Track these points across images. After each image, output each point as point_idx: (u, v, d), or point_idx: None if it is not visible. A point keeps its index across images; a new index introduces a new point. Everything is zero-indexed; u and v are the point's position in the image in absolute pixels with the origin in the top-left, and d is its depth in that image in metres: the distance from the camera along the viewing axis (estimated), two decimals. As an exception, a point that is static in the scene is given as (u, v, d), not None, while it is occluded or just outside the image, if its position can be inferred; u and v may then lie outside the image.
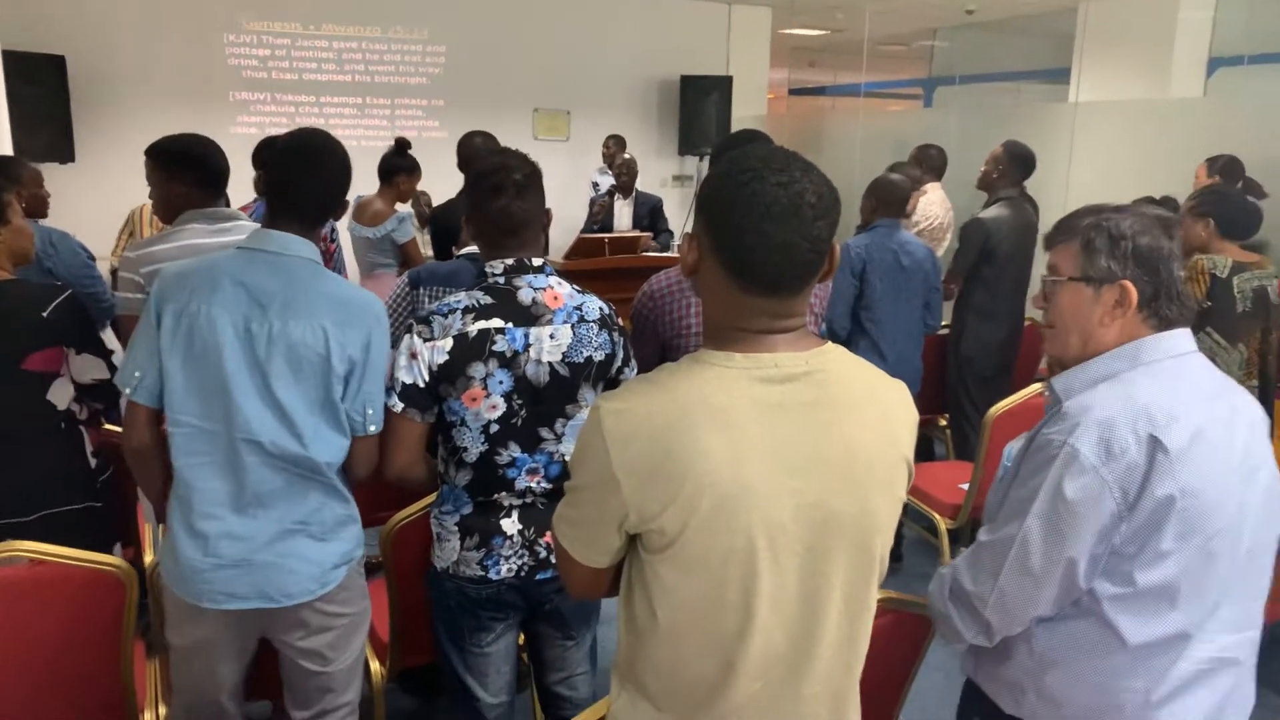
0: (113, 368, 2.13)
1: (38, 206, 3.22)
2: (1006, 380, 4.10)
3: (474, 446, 1.79)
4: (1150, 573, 1.31)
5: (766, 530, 1.05)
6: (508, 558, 1.85)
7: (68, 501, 2.15)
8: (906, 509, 3.72)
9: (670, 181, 8.52)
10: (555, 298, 1.82)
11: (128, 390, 1.73)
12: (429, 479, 1.90)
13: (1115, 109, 5.96)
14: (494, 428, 1.78)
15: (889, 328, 3.50)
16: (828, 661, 1.13)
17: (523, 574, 1.86)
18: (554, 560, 1.87)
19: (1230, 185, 4.15)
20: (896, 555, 3.87)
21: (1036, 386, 3.15)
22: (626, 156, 6.32)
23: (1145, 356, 1.36)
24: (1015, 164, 4.14)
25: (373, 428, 1.79)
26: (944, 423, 4.53)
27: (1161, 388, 1.33)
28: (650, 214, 6.27)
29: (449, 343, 1.74)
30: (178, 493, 1.73)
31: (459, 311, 1.76)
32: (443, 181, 4.17)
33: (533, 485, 1.84)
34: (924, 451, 4.82)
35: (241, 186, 2.87)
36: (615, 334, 1.89)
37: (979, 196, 4.36)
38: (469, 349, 1.74)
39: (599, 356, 1.84)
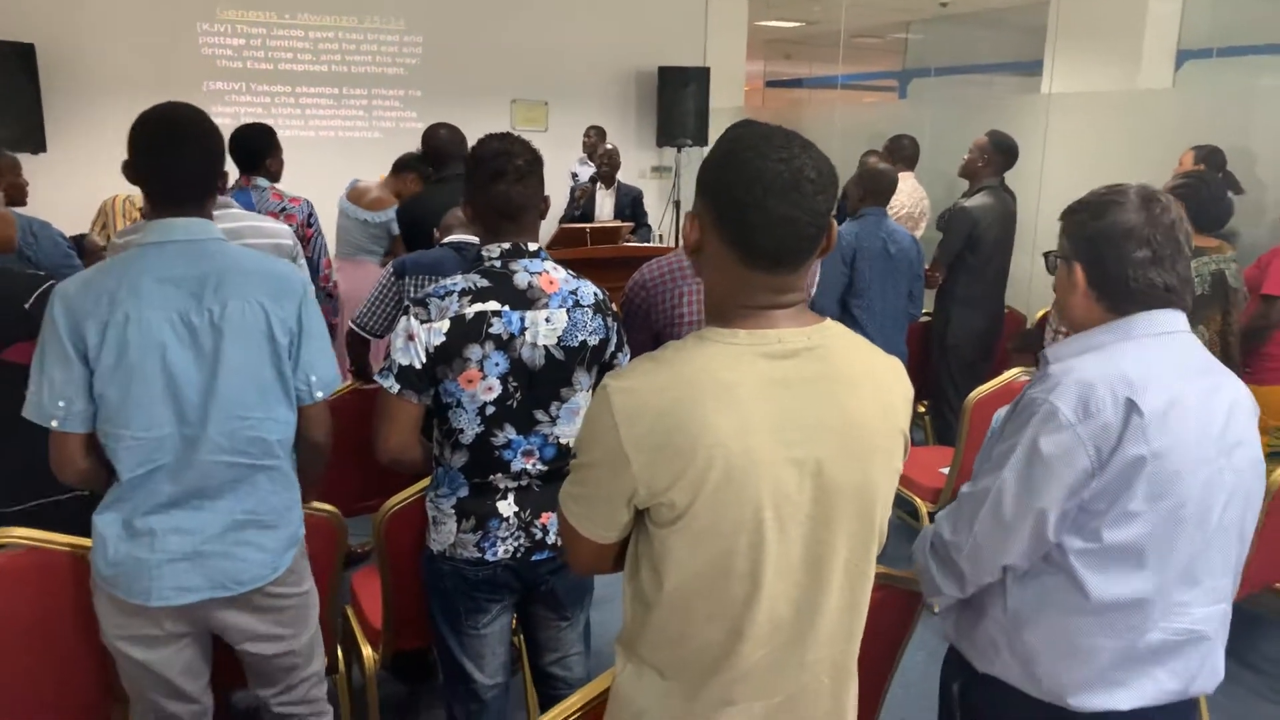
0: None
1: (16, 195, 3.19)
2: (988, 366, 4.18)
3: (470, 428, 1.81)
4: (1117, 531, 1.36)
5: (773, 500, 1.08)
6: (504, 539, 1.86)
7: (55, 491, 2.12)
8: (888, 493, 3.83)
9: (649, 173, 8.53)
10: (551, 282, 1.83)
11: (54, 424, 1.61)
12: (424, 461, 1.91)
13: (1087, 100, 6.05)
14: (490, 409, 1.80)
15: (876, 314, 3.55)
16: (830, 629, 1.17)
17: (519, 555, 1.88)
18: (550, 541, 1.89)
19: (1212, 174, 4.24)
20: (878, 539, 3.93)
21: (1015, 371, 3.21)
22: (609, 147, 6.29)
23: (1136, 331, 1.41)
24: (1000, 154, 4.21)
25: (320, 394, 1.77)
26: (922, 409, 4.60)
27: (1144, 358, 1.38)
28: (632, 205, 6.26)
29: (446, 324, 1.75)
30: (115, 494, 1.67)
31: (456, 294, 1.77)
32: (419, 174, 4.18)
33: (528, 467, 1.85)
34: (905, 437, 4.89)
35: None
36: (609, 319, 1.91)
37: (955, 186, 4.43)
38: (466, 331, 1.76)
39: (593, 341, 1.86)
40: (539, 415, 1.84)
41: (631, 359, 1.87)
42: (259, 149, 3.62)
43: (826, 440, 1.09)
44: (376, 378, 1.81)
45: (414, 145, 4.95)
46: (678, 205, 8.06)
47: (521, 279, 1.81)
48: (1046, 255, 1.56)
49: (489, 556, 1.86)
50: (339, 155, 6.78)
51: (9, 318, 2.02)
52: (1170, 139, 4.95)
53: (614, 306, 1.96)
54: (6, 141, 5.40)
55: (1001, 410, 1.63)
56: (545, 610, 2.02)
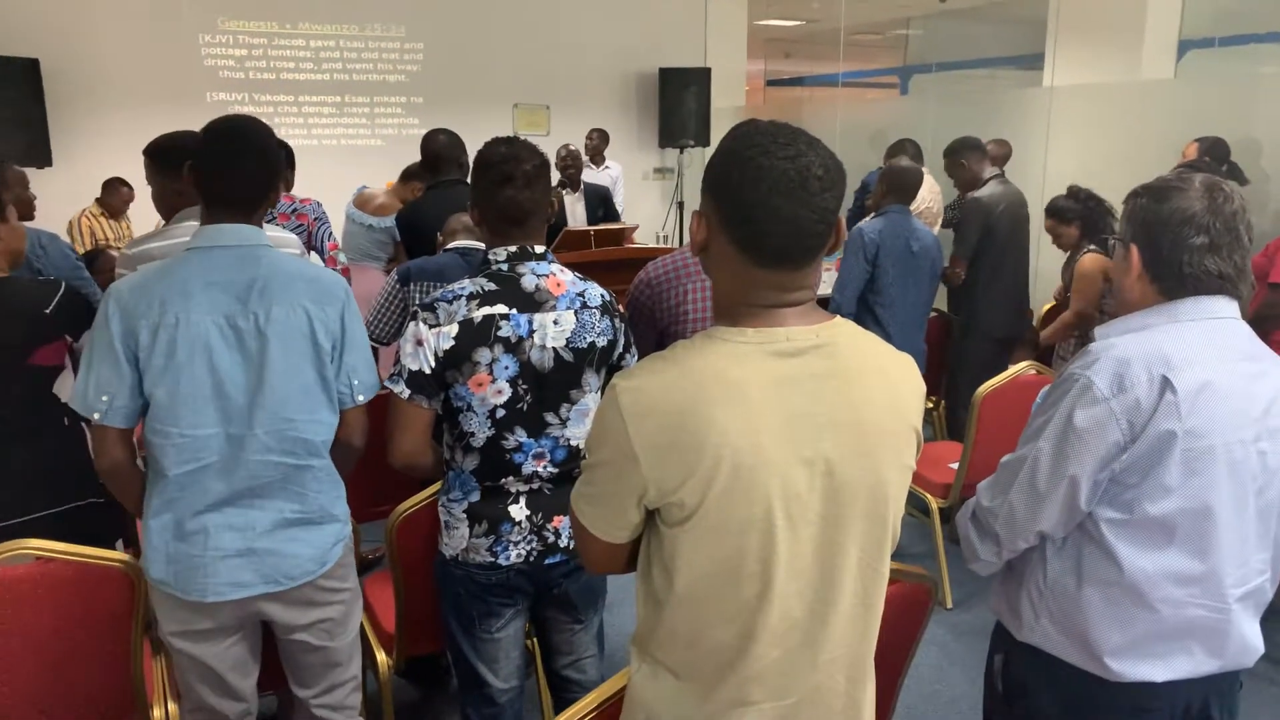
0: None
1: (24, 209, 3.21)
2: (1006, 362, 4.16)
3: (481, 431, 1.81)
4: (1150, 505, 1.39)
5: (783, 499, 1.07)
6: (516, 543, 1.87)
7: (80, 496, 2.18)
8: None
9: (651, 174, 8.55)
10: (558, 284, 1.84)
11: (96, 416, 1.67)
12: (435, 466, 1.91)
13: (1089, 92, 6.04)
14: (500, 413, 1.80)
15: (897, 312, 3.53)
16: (843, 628, 1.16)
17: (532, 559, 1.88)
18: (562, 545, 1.89)
19: (1215, 166, 4.23)
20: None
21: (1023, 365, 3.21)
22: (571, 148, 5.87)
23: (1182, 315, 1.42)
24: (972, 151, 4.24)
25: (361, 397, 1.83)
26: (930, 404, 4.59)
27: (1186, 340, 1.40)
28: (603, 204, 5.91)
29: (454, 328, 1.76)
30: (165, 495, 1.71)
31: (464, 298, 1.78)
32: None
33: (539, 470, 1.86)
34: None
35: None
36: (616, 320, 1.91)
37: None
38: (474, 334, 1.76)
39: (601, 342, 1.86)
40: (549, 418, 1.84)
41: (639, 358, 1.88)
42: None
43: (837, 438, 1.09)
44: (387, 383, 1.82)
45: (416, 151, 4.98)
46: (681, 206, 8.06)
47: (529, 282, 1.82)
48: (1108, 239, 1.59)
49: (501, 561, 1.87)
50: (343, 163, 6.81)
51: (34, 324, 2.08)
52: (1173, 130, 4.95)
53: (621, 308, 1.96)
54: (12, 156, 5.43)
55: (1046, 388, 1.65)
56: (558, 613, 2.02)
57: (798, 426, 1.08)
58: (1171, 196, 1.43)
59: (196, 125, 2.63)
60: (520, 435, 1.83)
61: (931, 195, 5.23)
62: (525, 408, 1.82)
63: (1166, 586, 1.41)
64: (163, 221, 2.39)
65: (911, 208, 5.13)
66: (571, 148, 5.83)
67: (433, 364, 1.77)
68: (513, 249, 1.83)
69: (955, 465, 3.38)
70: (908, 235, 3.53)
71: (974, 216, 4.04)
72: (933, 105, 7.33)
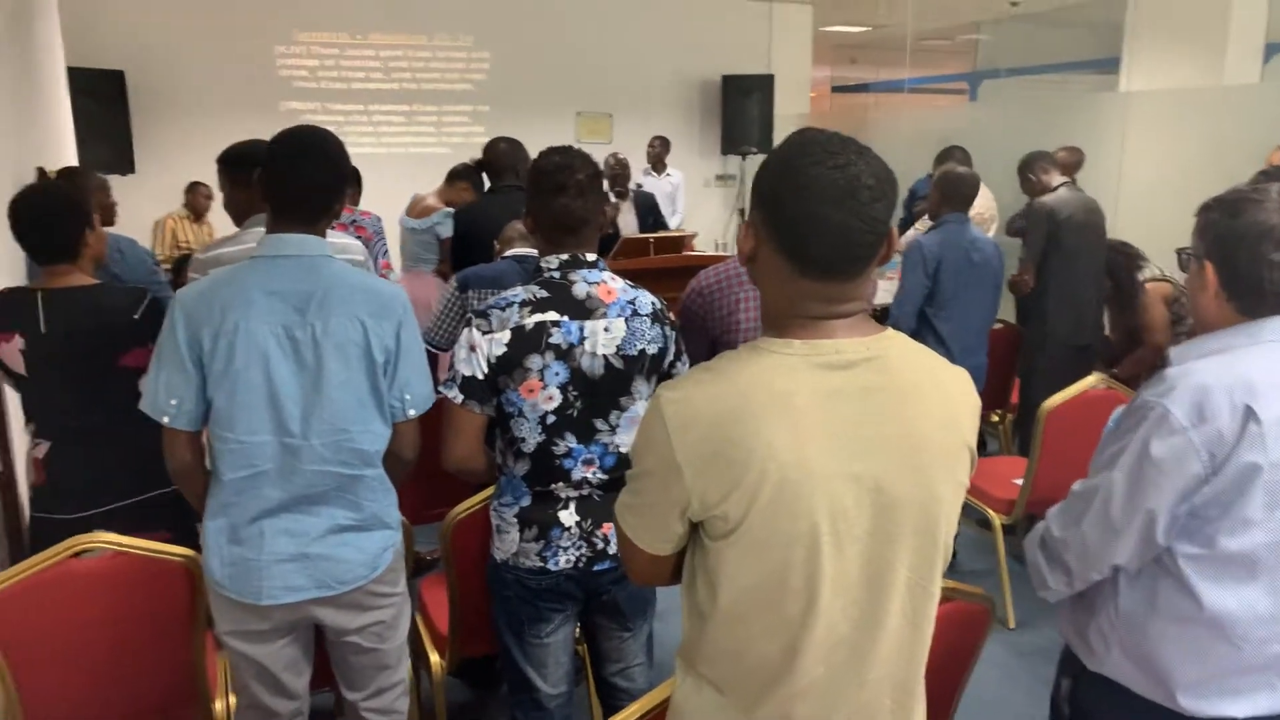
0: None
1: (106, 215, 3.34)
2: (1084, 373, 4.03)
3: (531, 437, 1.83)
4: (1231, 539, 1.32)
5: (829, 515, 1.05)
6: (566, 549, 1.87)
7: (165, 484, 2.24)
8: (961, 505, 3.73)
9: (714, 181, 8.54)
10: (609, 292, 1.85)
11: (165, 419, 1.72)
12: (488, 470, 1.93)
13: (1167, 98, 5.85)
14: (550, 419, 1.81)
15: (958, 325, 3.44)
16: (891, 647, 1.14)
17: (581, 565, 1.89)
18: (611, 551, 1.89)
19: None
20: (951, 552, 3.82)
21: (1092, 379, 3.11)
22: (619, 156, 5.74)
23: (1266, 336, 1.36)
24: (1038, 162, 4.15)
25: (412, 411, 1.84)
26: (996, 418, 4.49)
27: (1272, 364, 1.33)
28: (651, 213, 5.83)
29: (506, 335, 1.78)
30: (223, 499, 1.75)
31: (516, 305, 1.80)
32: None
33: (589, 476, 1.86)
34: (977, 446, 4.76)
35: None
36: (667, 328, 1.91)
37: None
38: (526, 341, 1.78)
39: (652, 350, 1.86)
40: (599, 424, 1.85)
41: (690, 367, 1.87)
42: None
43: (886, 454, 1.07)
44: (440, 389, 1.84)
45: (482, 159, 5.07)
46: (742, 213, 8.04)
47: (580, 289, 1.83)
48: (1180, 252, 1.53)
49: (551, 566, 1.87)
50: (410, 171, 6.93)
51: (123, 329, 2.18)
52: (1257, 137, 4.75)
53: (671, 316, 1.96)
54: (99, 164, 5.68)
55: (1119, 409, 1.59)
56: (607, 620, 2.02)
57: (846, 441, 1.05)
58: (1247, 209, 1.35)
59: (270, 134, 2.72)
60: (570, 441, 1.84)
61: (984, 203, 5.12)
62: (575, 414, 1.83)
63: (1249, 623, 1.34)
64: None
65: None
66: (620, 156, 5.76)
67: (485, 370, 1.79)
68: (565, 257, 1.85)
69: (1020, 481, 3.29)
70: (968, 246, 3.42)
71: (1039, 222, 3.92)
72: (1001, 112, 7.17)
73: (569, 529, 1.87)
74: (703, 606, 1.14)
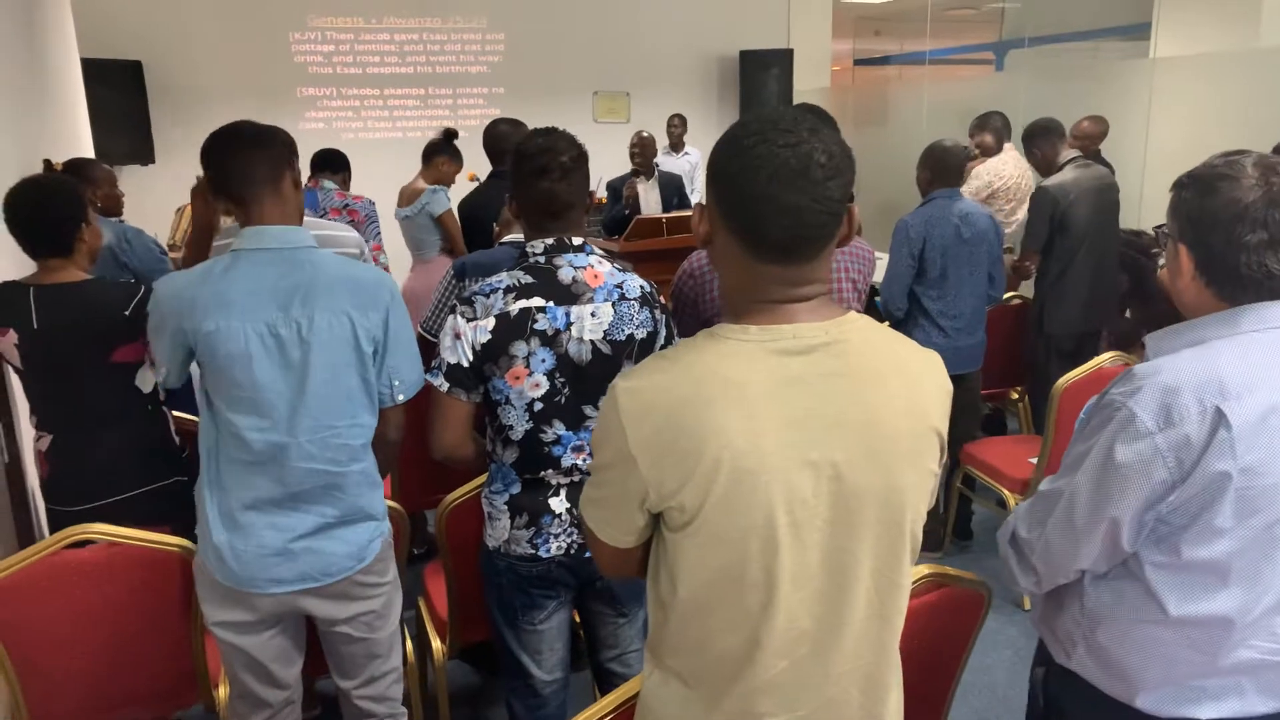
0: None
1: (113, 205, 3.37)
2: (1092, 353, 3.94)
3: (519, 424, 1.81)
4: (1200, 548, 1.24)
5: (786, 504, 1.03)
6: (557, 536, 1.86)
7: (166, 475, 2.31)
8: (974, 485, 3.67)
9: (732, 159, 8.42)
10: (596, 276, 1.82)
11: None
12: (477, 458, 1.92)
13: (1197, 63, 5.66)
14: (538, 406, 1.80)
15: (952, 303, 3.37)
16: (857, 640, 1.11)
17: (572, 552, 1.87)
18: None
19: None
20: (966, 533, 3.78)
21: (1107, 356, 3.04)
22: (645, 134, 5.67)
23: (1244, 325, 1.26)
24: (1043, 136, 4.02)
25: (401, 397, 1.85)
26: (1015, 395, 4.40)
27: (1248, 358, 1.23)
28: (677, 193, 5.74)
29: (491, 322, 1.76)
30: (219, 483, 1.76)
31: (500, 291, 1.77)
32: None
33: (578, 463, 1.84)
34: (996, 426, 4.69)
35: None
36: (657, 311, 1.88)
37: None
38: (511, 327, 1.76)
39: (641, 334, 1.83)
40: (588, 410, 1.83)
41: None
42: (332, 162, 3.83)
43: (845, 440, 1.03)
44: (427, 376, 1.83)
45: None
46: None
47: (566, 274, 1.80)
48: (1157, 230, 1.43)
49: (542, 553, 1.86)
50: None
51: (114, 324, 2.18)
52: (1292, 102, 4.59)
53: (662, 299, 1.93)
54: (118, 155, 5.74)
55: (1093, 399, 1.54)
56: (603, 606, 2.01)
57: (803, 428, 1.02)
58: (1220, 187, 1.25)
59: (287, 120, 2.69)
60: (559, 428, 1.82)
61: (1019, 173, 4.99)
62: (563, 400, 1.81)
63: (1216, 631, 1.28)
64: None
65: (1000, 188, 4.93)
66: (645, 134, 5.70)
67: (470, 357, 1.77)
68: (550, 241, 1.82)
69: (1035, 460, 3.22)
70: (958, 222, 3.31)
71: (1040, 208, 3.78)
72: (1026, 81, 6.99)
73: (559, 516, 1.86)
74: (665, 599, 1.12)
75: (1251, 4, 6.25)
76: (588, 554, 1.87)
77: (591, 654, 2.11)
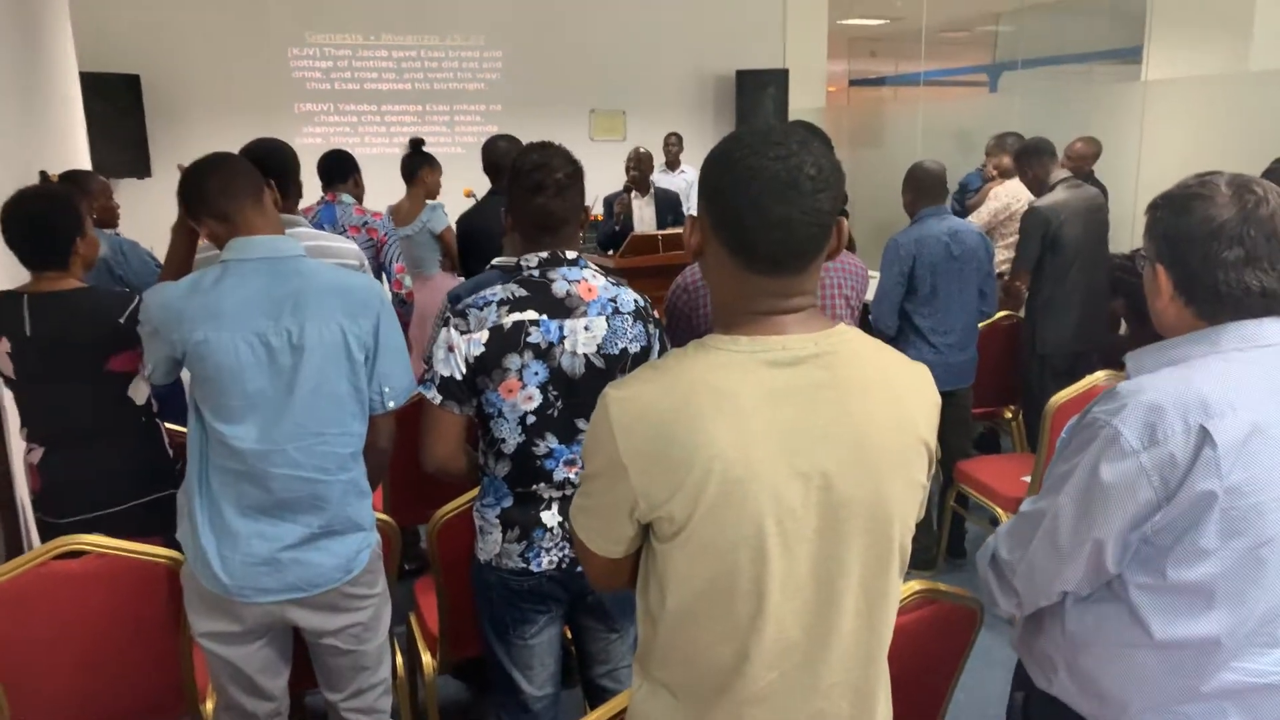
0: None
1: (108, 217, 3.37)
2: (1087, 372, 3.95)
3: (511, 438, 1.81)
4: (1185, 569, 1.23)
5: (775, 516, 1.03)
6: (548, 550, 1.85)
7: (159, 489, 2.29)
8: (968, 503, 3.67)
9: (728, 177, 8.46)
10: (589, 290, 1.82)
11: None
12: (470, 471, 1.92)
13: (1188, 86, 5.72)
14: (530, 419, 1.79)
15: (943, 319, 3.39)
16: (846, 651, 1.11)
17: (564, 566, 1.86)
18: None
19: None
20: (960, 552, 3.77)
21: (1099, 375, 3.04)
22: (641, 150, 5.72)
23: (1225, 344, 1.25)
24: (1033, 157, 4.05)
25: (391, 404, 1.86)
26: (1009, 414, 4.41)
27: (1230, 377, 1.23)
28: (672, 210, 5.77)
29: (484, 335, 1.76)
30: (208, 490, 1.76)
31: (494, 304, 1.78)
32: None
33: (571, 477, 1.84)
34: (990, 444, 4.69)
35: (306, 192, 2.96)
36: (650, 326, 1.88)
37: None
38: (504, 341, 1.76)
39: (634, 348, 1.84)
40: (580, 424, 1.82)
41: None
42: (340, 167, 3.80)
43: (834, 452, 1.04)
44: (419, 389, 1.83)
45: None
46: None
47: (560, 288, 1.80)
48: (1135, 254, 1.44)
49: (534, 567, 1.85)
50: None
51: (108, 332, 2.19)
52: (1284, 124, 4.63)
53: (656, 313, 1.93)
54: (115, 167, 5.75)
55: (1074, 419, 1.54)
56: (594, 622, 2.00)
57: (792, 439, 1.03)
58: (1194, 206, 1.25)
59: (285, 135, 2.71)
60: (551, 442, 1.82)
61: (1017, 190, 5.01)
62: (556, 414, 1.80)
63: (1201, 654, 1.26)
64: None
65: (1018, 210, 4.95)
66: (642, 150, 5.74)
67: (464, 370, 1.77)
68: (544, 254, 1.82)
69: (1028, 478, 3.23)
70: (947, 239, 3.35)
71: (1032, 228, 3.81)
72: (1020, 103, 7.05)
73: (551, 530, 1.85)
74: (654, 610, 1.12)
75: (1242, 28, 6.32)
76: (579, 568, 1.87)
77: (582, 670, 2.10)
